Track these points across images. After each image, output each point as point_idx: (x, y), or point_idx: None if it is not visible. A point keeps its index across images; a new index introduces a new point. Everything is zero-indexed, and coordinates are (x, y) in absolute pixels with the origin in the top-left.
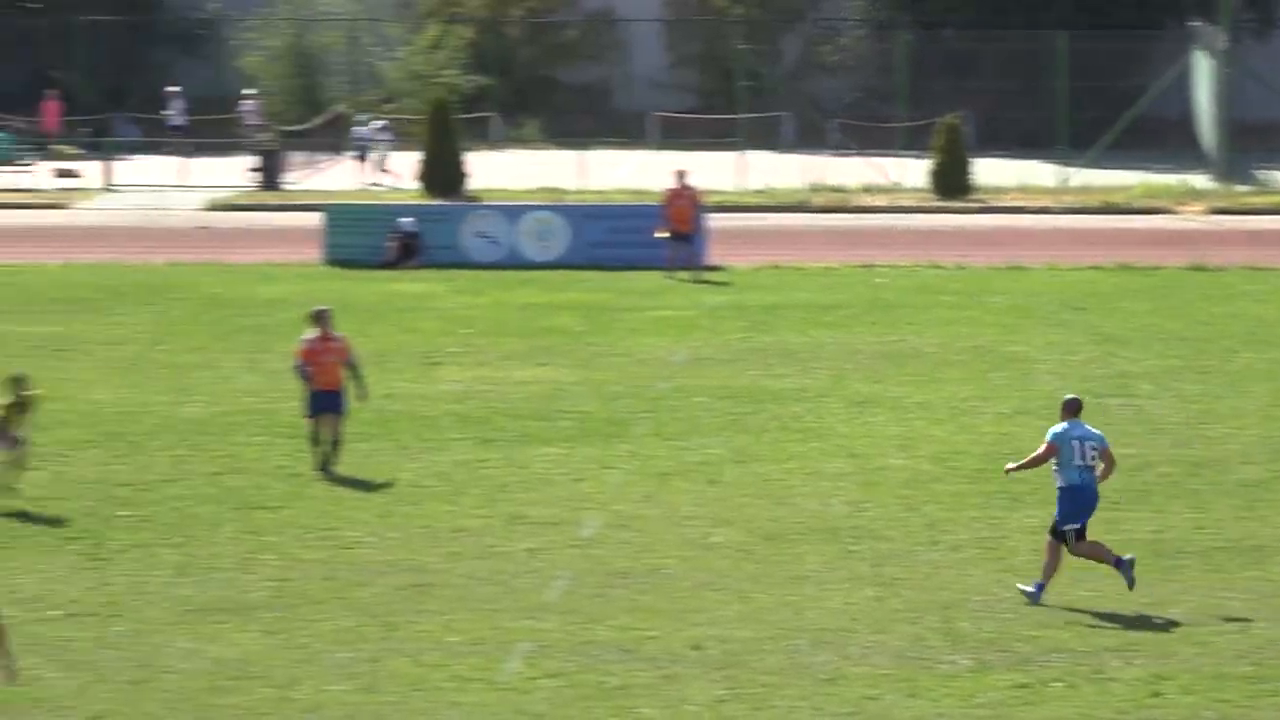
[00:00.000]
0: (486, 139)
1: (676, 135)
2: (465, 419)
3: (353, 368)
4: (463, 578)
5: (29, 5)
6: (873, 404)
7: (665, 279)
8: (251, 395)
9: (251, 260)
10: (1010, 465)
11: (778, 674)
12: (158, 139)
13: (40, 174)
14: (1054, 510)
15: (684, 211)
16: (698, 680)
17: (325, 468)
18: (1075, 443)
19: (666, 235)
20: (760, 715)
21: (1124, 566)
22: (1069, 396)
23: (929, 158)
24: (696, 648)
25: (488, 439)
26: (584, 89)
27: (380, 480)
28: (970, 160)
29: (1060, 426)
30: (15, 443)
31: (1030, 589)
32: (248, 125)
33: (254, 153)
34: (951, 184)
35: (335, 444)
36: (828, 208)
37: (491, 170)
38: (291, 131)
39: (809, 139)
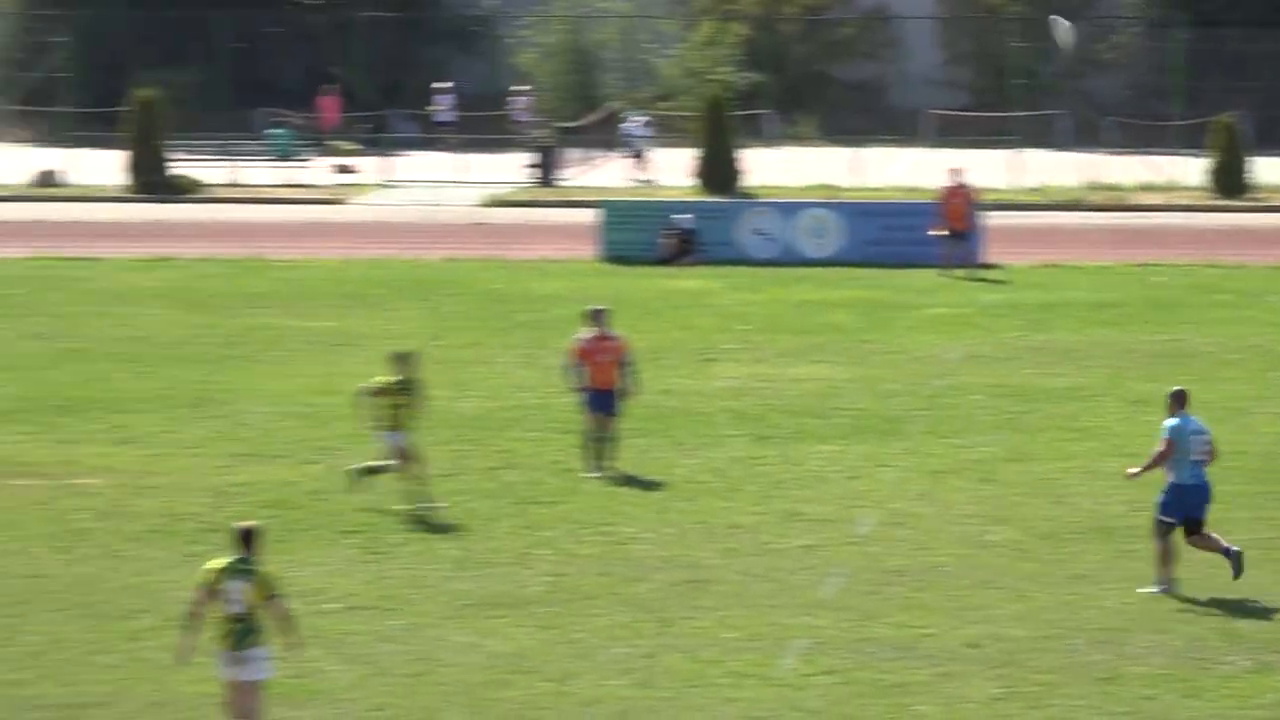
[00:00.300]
0: (761, 136)
1: (951, 133)
2: (741, 415)
3: (628, 366)
4: (738, 574)
5: (307, 2)
6: (1149, 403)
7: (940, 277)
8: (526, 390)
9: (527, 256)
10: (1132, 470)
11: (1055, 673)
12: (433, 135)
13: (318, 169)
14: None
15: (959, 209)
16: (974, 678)
17: (599, 466)
18: (1191, 437)
19: (942, 233)
20: (1036, 714)
21: (1233, 556)
22: (1176, 389)
23: (1206, 156)
24: (973, 646)
25: (763, 435)
26: (858, 86)
27: (656, 476)
28: (1248, 159)
29: (1174, 421)
30: (404, 454)
31: (1154, 589)
32: (518, 122)
33: (530, 149)
34: (1229, 182)
35: (610, 442)
36: (1103, 206)
37: (766, 167)
38: (566, 128)
39: (1084, 137)
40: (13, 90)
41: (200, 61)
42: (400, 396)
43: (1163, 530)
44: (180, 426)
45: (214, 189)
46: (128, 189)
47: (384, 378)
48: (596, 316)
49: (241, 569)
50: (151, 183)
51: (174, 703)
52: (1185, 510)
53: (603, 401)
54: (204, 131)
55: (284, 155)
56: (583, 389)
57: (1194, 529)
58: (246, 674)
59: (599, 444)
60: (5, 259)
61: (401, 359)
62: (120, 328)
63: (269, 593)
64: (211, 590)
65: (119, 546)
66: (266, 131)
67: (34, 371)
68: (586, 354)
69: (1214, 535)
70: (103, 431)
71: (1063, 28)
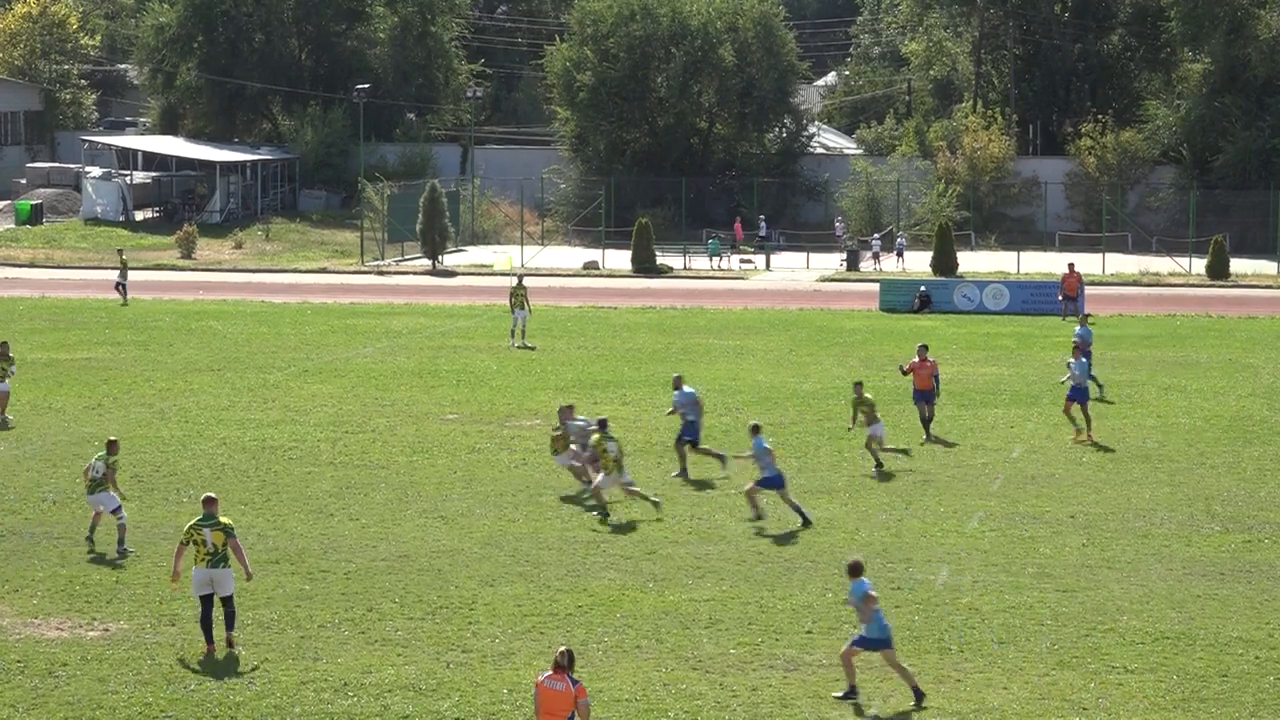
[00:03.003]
0: (967, 245)
1: (1068, 244)
2: (953, 393)
3: (937, 377)
4: (949, 476)
5: (729, 174)
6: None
7: (1062, 321)
8: (839, 380)
9: (840, 308)
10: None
11: (1131, 537)
12: (795, 243)
13: (732, 261)
14: None
15: (1073, 284)
16: (1070, 535)
17: (928, 435)
18: None
19: (1062, 298)
20: (1102, 552)
21: None
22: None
23: (1205, 258)
24: (1072, 516)
25: (963, 405)
26: (1020, 218)
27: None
28: (1230, 259)
29: None
30: (880, 440)
31: None
32: (838, 236)
33: (844, 250)
34: (1218, 272)
35: (931, 419)
36: (1147, 283)
37: (969, 262)
38: (863, 239)
39: (1140, 247)
40: (573, 218)
41: (671, 203)
42: (865, 401)
43: None
44: (655, 396)
45: (678, 272)
46: (633, 272)
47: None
48: (922, 349)
49: (208, 523)
50: (645, 268)
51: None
52: None
53: (924, 396)
54: (672, 241)
55: (714, 254)
56: (914, 389)
57: None
58: (221, 590)
59: (926, 422)
60: (565, 307)
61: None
62: (625, 344)
63: (229, 534)
64: (190, 539)
65: (627, 459)
66: (707, 241)
67: (580, 366)
68: (914, 368)
69: None
70: (614, 397)
71: None
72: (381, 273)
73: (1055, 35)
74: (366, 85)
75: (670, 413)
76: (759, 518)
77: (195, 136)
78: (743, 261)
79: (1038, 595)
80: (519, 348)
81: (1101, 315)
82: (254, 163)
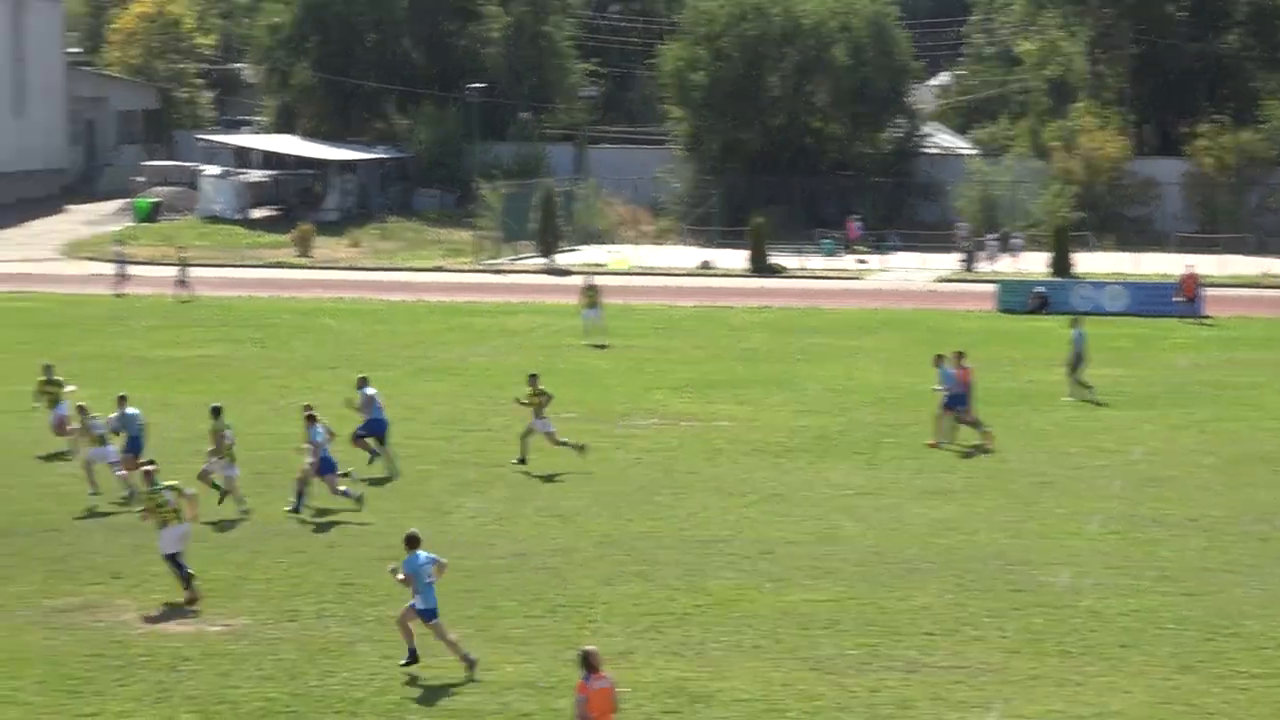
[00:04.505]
0: (1085, 246)
1: (1186, 245)
2: (1077, 401)
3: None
4: (1068, 477)
5: (845, 173)
6: None
7: (1179, 323)
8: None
9: (956, 308)
10: None
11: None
12: (911, 243)
13: (847, 262)
14: None
15: (1190, 285)
16: (1192, 538)
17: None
18: None
19: (1180, 299)
20: (1220, 557)
21: None
22: None
23: None
24: (1192, 520)
25: (1079, 407)
26: (1136, 219)
27: (1024, 423)
28: None
29: None
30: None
31: None
32: (957, 236)
33: (961, 251)
34: None
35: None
36: (1256, 284)
37: (1085, 263)
38: (980, 240)
39: (1260, 250)
40: (688, 217)
41: (784, 203)
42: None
43: None
44: (770, 395)
45: (792, 271)
46: (747, 271)
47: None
48: (958, 355)
49: (168, 487)
50: (760, 268)
51: None
52: None
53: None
54: (785, 241)
55: (829, 254)
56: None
57: None
58: (178, 547)
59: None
60: (680, 306)
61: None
62: (739, 344)
63: (186, 493)
64: (152, 509)
65: (743, 458)
66: (821, 241)
67: (695, 365)
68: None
69: None
70: (729, 396)
71: None
72: (496, 271)
73: (1171, 35)
74: (481, 85)
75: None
76: None
77: (311, 135)
78: (858, 261)
79: (1160, 599)
80: (592, 345)
81: (1221, 317)
82: (369, 161)
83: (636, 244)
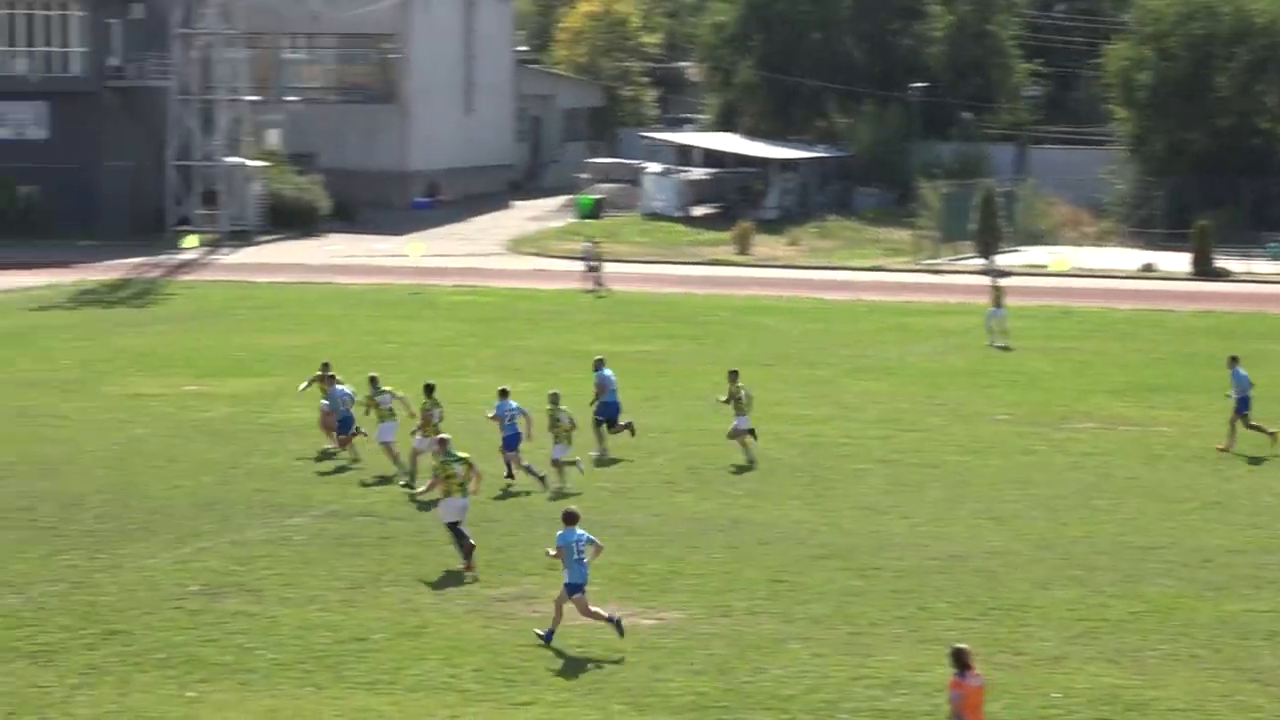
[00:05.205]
0: None
1: None
2: None
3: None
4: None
5: None
6: None
7: None
8: None
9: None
10: None
11: None
12: None
13: None
14: None
15: None
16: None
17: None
18: None
19: None
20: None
21: None
22: None
23: None
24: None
25: None
26: None
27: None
28: None
29: None
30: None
31: None
32: None
33: None
34: None
35: None
36: None
37: None
38: None
39: None
40: (1130, 219)
41: (1232, 206)
42: None
43: None
44: (1214, 401)
45: (1238, 276)
46: (1190, 275)
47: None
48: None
49: (459, 459)
50: (1204, 271)
51: None
52: None
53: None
54: (1233, 244)
55: (1277, 258)
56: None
57: None
58: (459, 517)
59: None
60: (1118, 309)
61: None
62: (1181, 348)
63: (475, 468)
64: (442, 478)
65: (1183, 465)
66: (1268, 245)
67: (1134, 370)
68: None
69: None
70: (1169, 401)
71: None
72: (935, 272)
73: None
74: (922, 84)
75: None
76: None
77: (751, 134)
78: None
79: None
80: (997, 347)
81: None
82: (809, 160)
83: (1077, 245)
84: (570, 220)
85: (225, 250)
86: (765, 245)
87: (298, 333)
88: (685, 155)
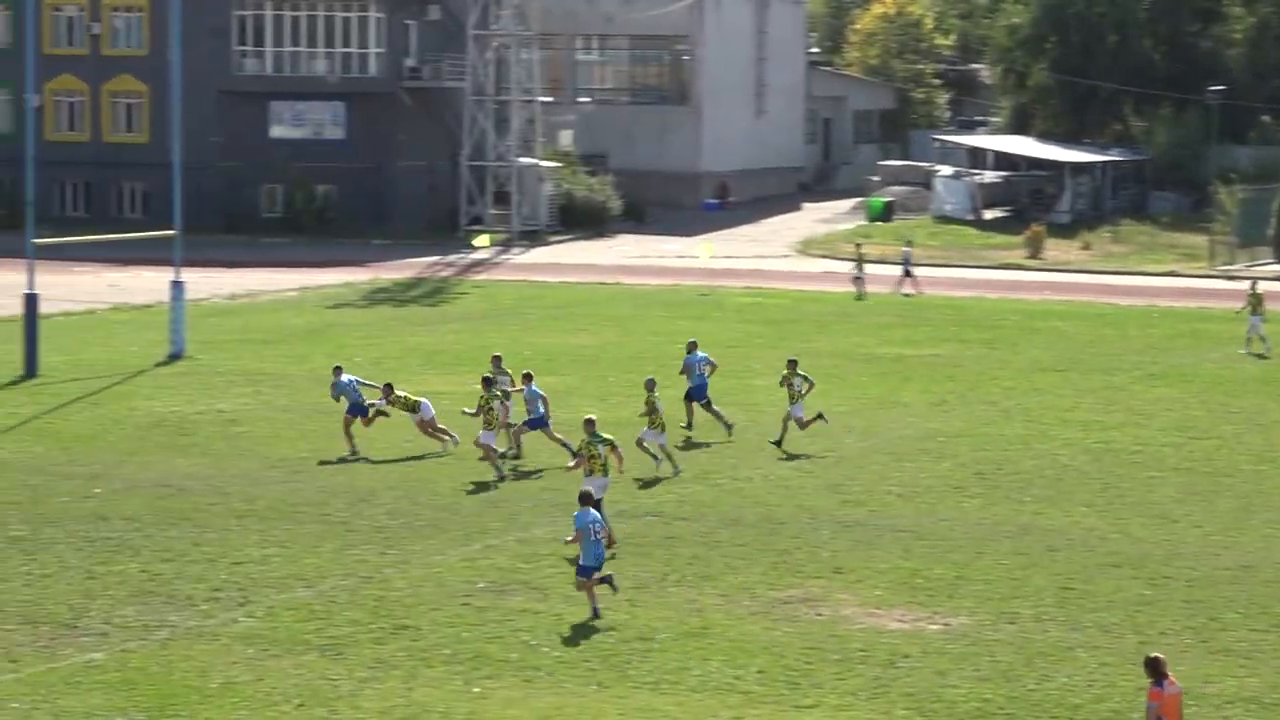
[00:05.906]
0: None
1: None
2: None
3: None
4: None
5: None
6: None
7: None
8: None
9: None
10: None
11: None
12: None
13: None
14: None
15: None
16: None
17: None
18: None
19: None
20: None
21: None
22: None
23: None
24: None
25: None
26: None
27: None
28: None
29: None
30: None
31: None
32: None
33: None
34: None
35: None
36: None
37: None
38: None
39: None
40: None
41: None
42: None
43: None
44: None
45: None
46: None
47: None
48: None
49: (604, 440)
50: None
51: None
52: None
53: None
54: None
55: None
56: None
57: None
58: (598, 495)
59: None
60: None
61: None
62: None
63: (617, 449)
64: (586, 458)
65: None
66: None
67: None
68: None
69: None
70: None
71: None
72: (1231, 278)
73: None
74: (1221, 86)
75: None
76: None
77: (1044, 137)
78: None
79: None
80: (1252, 354)
81: None
82: (1103, 164)
83: None
84: (860, 223)
85: (516, 250)
86: (1057, 249)
87: (587, 332)
88: (977, 158)
